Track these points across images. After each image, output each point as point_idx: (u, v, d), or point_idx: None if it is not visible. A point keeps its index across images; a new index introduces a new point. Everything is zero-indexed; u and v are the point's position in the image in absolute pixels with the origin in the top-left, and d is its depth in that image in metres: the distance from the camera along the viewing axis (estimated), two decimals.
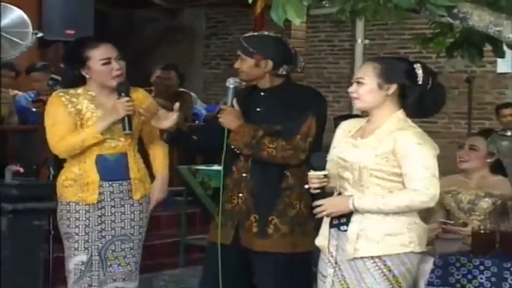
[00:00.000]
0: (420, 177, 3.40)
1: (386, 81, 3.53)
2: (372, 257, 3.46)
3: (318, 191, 3.55)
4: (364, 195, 3.47)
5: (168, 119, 4.06)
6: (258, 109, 4.10)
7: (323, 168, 3.54)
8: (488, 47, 4.42)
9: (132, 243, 4.28)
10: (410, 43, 6.27)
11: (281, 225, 4.01)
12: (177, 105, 4.08)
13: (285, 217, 4.01)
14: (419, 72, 3.56)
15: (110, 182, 4.25)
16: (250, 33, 4.27)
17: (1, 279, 5.03)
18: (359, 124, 3.67)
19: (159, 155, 4.43)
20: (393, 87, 3.53)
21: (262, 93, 4.14)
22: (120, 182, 4.26)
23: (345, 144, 3.59)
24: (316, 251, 3.78)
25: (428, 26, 4.59)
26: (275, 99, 4.07)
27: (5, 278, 5.04)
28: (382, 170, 3.46)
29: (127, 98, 4.17)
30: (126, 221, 4.28)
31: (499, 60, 8.97)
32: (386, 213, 3.45)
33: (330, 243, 3.57)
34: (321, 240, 3.62)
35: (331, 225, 3.56)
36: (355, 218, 3.49)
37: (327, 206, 3.51)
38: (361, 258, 3.46)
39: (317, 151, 3.86)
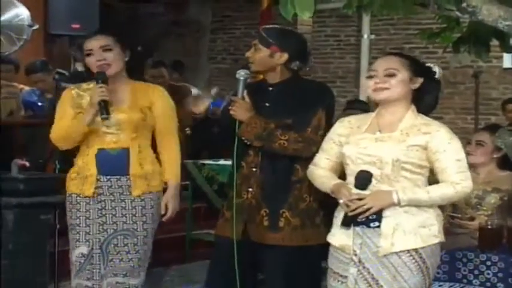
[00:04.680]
0: (459, 170, 3.47)
1: (414, 74, 3.54)
2: (408, 251, 3.44)
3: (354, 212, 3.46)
4: (404, 189, 3.44)
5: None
6: (267, 104, 4.08)
7: (365, 188, 3.46)
8: (495, 42, 4.41)
9: (135, 239, 4.25)
10: (416, 38, 6.27)
11: (292, 218, 4.00)
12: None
13: (296, 210, 4.00)
14: (437, 69, 3.61)
15: (108, 177, 4.25)
16: (272, 26, 4.26)
17: (6, 272, 5.04)
18: (366, 119, 3.63)
19: (170, 160, 4.35)
20: (419, 81, 3.55)
21: (270, 88, 4.12)
22: (118, 177, 4.25)
23: (362, 140, 3.54)
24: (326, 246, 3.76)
25: (434, 20, 4.58)
26: (283, 93, 4.06)
27: (11, 271, 5.05)
28: (412, 162, 3.46)
29: (100, 85, 4.18)
30: (127, 216, 4.26)
31: (506, 55, 8.96)
32: (419, 206, 3.45)
33: (354, 242, 3.50)
34: (342, 240, 3.54)
35: (356, 224, 3.49)
36: (388, 213, 3.45)
37: (369, 201, 3.43)
38: (396, 253, 3.43)
39: None
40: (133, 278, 4.26)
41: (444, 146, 3.46)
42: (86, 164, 4.28)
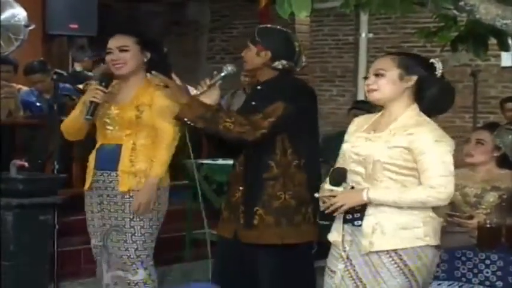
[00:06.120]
0: (438, 174, 3.40)
1: (406, 72, 3.52)
2: (388, 251, 3.42)
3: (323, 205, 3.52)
4: (376, 188, 3.45)
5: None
6: (253, 102, 4.10)
7: (339, 185, 3.49)
8: (493, 41, 4.41)
9: (124, 236, 4.31)
10: (414, 36, 6.28)
11: (265, 216, 3.99)
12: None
13: (270, 208, 3.99)
14: (438, 65, 3.57)
15: (101, 171, 4.37)
16: (265, 25, 4.30)
17: (5, 273, 5.04)
18: (370, 119, 3.65)
19: (155, 158, 4.34)
20: (413, 79, 3.52)
21: (259, 87, 4.15)
22: (108, 172, 4.35)
23: (357, 138, 3.57)
24: (315, 244, 3.78)
25: (432, 19, 4.59)
26: (270, 92, 4.05)
27: (11, 272, 5.05)
28: (395, 163, 3.44)
29: (98, 86, 4.28)
30: (118, 211, 4.34)
31: (504, 54, 8.96)
32: (401, 207, 3.43)
33: (344, 239, 3.53)
34: (334, 236, 3.58)
35: (345, 221, 3.52)
36: (370, 212, 3.46)
37: (340, 199, 3.45)
38: (376, 252, 3.43)
39: (303, 142, 3.96)
40: (130, 274, 4.31)
41: (425, 148, 3.41)
42: (90, 158, 4.44)
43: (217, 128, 3.90)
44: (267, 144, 3.99)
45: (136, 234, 4.31)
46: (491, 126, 4.71)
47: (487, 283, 4.05)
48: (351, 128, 3.68)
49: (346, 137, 3.66)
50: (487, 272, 4.07)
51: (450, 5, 3.37)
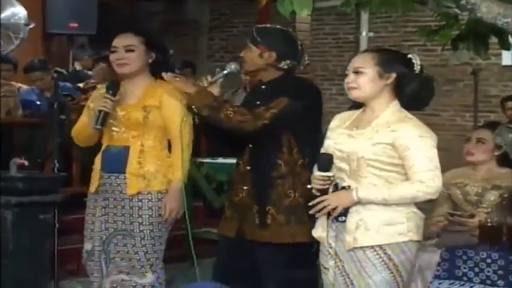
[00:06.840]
0: (425, 169, 3.43)
1: (385, 70, 3.54)
2: (372, 246, 3.45)
3: (319, 193, 3.55)
4: (362, 185, 3.47)
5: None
6: (258, 102, 4.09)
7: (328, 170, 3.52)
8: (493, 40, 4.41)
9: (133, 240, 4.24)
10: (415, 35, 6.28)
11: (277, 215, 4.00)
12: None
13: (281, 207, 4.00)
14: (416, 61, 3.58)
15: (109, 174, 4.29)
16: (263, 25, 4.29)
17: (5, 272, 5.03)
18: (353, 115, 3.67)
19: (173, 162, 4.27)
20: (392, 76, 3.54)
21: (263, 87, 4.14)
22: (116, 174, 4.28)
23: (340, 135, 3.59)
24: (316, 243, 3.79)
25: (433, 18, 4.58)
26: (275, 91, 4.05)
27: (11, 271, 5.04)
28: (379, 160, 3.47)
29: (107, 95, 4.21)
30: (126, 215, 4.26)
31: (505, 52, 8.96)
32: (387, 204, 3.45)
33: (329, 235, 3.57)
34: (319, 232, 3.61)
35: (329, 217, 3.55)
36: (354, 209, 3.49)
37: (331, 201, 3.49)
38: (361, 248, 3.46)
39: (305, 137, 3.95)
40: (137, 277, 4.25)
41: (410, 144, 3.44)
42: (96, 160, 4.36)
43: (219, 116, 3.91)
44: (273, 142, 4.00)
45: (145, 238, 4.25)
46: (492, 125, 4.70)
47: (488, 282, 4.05)
48: (333, 123, 3.70)
49: (328, 133, 3.68)
50: (488, 271, 4.06)
51: (451, 4, 3.37)
